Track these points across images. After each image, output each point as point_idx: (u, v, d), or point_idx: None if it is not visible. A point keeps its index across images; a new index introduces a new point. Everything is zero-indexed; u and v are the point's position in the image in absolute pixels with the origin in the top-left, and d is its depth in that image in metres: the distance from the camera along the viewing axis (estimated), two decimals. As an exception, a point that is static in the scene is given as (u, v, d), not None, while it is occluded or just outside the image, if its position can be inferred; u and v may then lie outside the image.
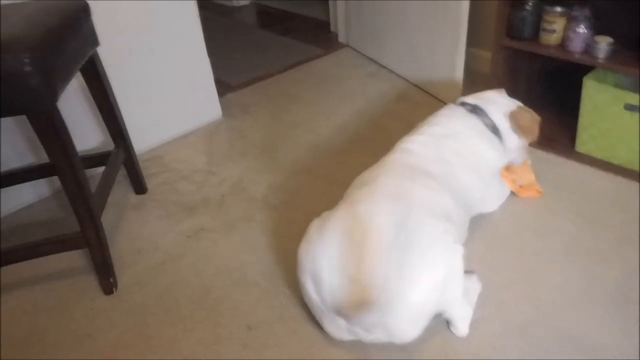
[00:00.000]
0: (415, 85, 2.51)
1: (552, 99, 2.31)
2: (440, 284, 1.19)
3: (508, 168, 1.78)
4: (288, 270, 1.54)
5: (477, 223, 1.66)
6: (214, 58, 2.31)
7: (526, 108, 1.75)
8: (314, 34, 3.32)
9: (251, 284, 1.51)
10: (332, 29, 3.27)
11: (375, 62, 2.79)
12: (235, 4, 3.94)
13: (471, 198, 1.53)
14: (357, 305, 1.16)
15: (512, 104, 1.74)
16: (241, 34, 3.44)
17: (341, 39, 3.13)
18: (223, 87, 2.65)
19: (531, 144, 2.01)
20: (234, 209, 1.83)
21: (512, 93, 2.23)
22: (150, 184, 1.99)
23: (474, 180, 1.54)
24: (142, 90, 2.12)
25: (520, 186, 1.79)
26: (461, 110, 1.66)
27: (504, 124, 1.68)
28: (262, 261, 1.59)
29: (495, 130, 1.66)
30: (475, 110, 1.66)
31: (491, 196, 1.69)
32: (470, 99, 1.71)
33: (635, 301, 1.38)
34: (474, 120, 1.63)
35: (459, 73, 2.26)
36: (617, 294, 1.41)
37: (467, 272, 1.46)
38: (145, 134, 2.18)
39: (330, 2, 3.18)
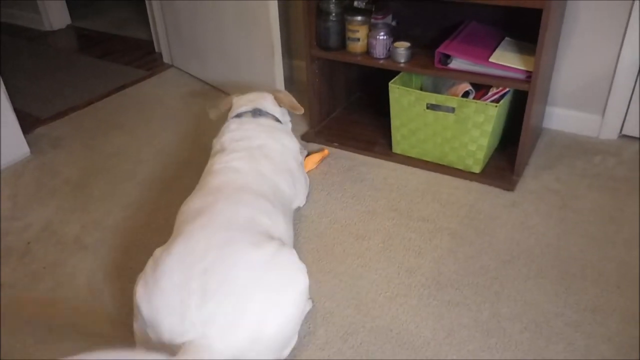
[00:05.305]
0: (241, 101, 2.48)
1: (371, 103, 2.42)
2: (293, 307, 1.19)
3: None
4: (103, 314, 1.41)
5: (305, 236, 1.66)
6: (20, 89, 2.08)
7: (277, 89, 1.86)
8: (137, 55, 3.15)
9: (56, 340, 1.35)
10: (157, 49, 3.13)
11: (200, 80, 2.72)
12: (48, 27, 3.61)
13: (289, 199, 1.57)
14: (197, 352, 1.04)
15: (267, 94, 1.80)
16: (56, 61, 3.14)
17: (166, 59, 3.00)
18: (32, 121, 2.40)
19: (351, 148, 2.10)
20: (41, 257, 1.64)
21: (331, 99, 2.31)
22: (-63, 241, 1.71)
23: (288, 182, 1.58)
24: None
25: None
26: (247, 118, 1.67)
27: (279, 112, 1.77)
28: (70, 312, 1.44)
29: (278, 122, 1.73)
30: (258, 112, 1.69)
31: (300, 189, 1.73)
32: (245, 107, 1.71)
33: (445, 285, 1.47)
34: (265, 121, 1.67)
35: (279, 84, 2.27)
36: (430, 282, 1.49)
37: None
38: None
39: (150, 21, 3.04)
